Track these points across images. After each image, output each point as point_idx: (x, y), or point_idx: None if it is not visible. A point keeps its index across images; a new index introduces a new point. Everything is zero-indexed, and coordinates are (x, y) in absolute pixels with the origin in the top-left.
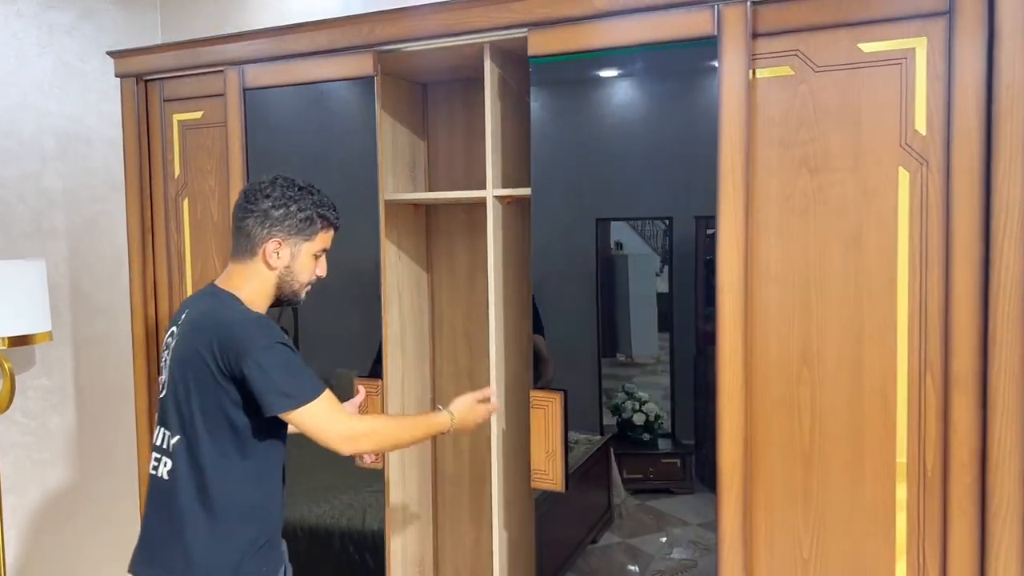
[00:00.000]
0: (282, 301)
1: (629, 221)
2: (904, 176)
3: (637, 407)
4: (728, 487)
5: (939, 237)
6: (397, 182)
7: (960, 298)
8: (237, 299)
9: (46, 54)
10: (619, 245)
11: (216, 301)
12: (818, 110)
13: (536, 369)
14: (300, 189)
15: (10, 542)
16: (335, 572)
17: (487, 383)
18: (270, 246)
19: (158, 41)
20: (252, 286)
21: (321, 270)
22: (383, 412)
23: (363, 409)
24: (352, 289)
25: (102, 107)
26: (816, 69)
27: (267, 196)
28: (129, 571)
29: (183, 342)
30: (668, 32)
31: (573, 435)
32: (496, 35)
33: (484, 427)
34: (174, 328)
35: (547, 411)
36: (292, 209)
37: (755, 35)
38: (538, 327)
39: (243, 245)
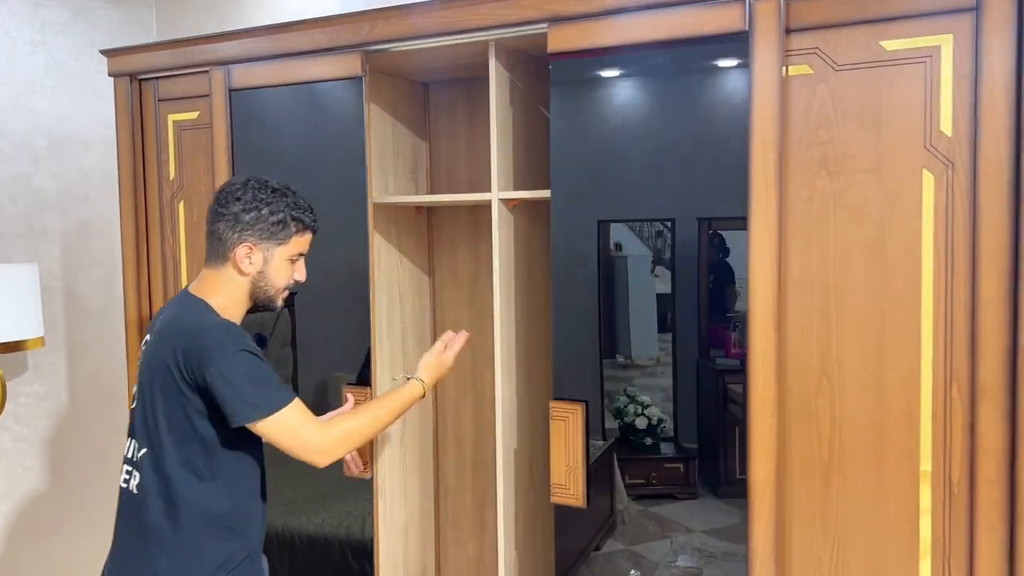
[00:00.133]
0: (258, 307)
1: (630, 223)
2: (929, 179)
3: (640, 411)
4: (759, 502)
5: (965, 242)
6: (398, 184)
7: (987, 305)
8: (207, 306)
9: (38, 53)
10: (618, 246)
11: (184, 308)
12: (838, 110)
13: None
14: (273, 191)
15: (1, 549)
16: None
17: (491, 389)
18: (241, 251)
19: (154, 40)
20: (225, 292)
21: (300, 275)
22: None
23: None
24: (348, 293)
25: (96, 107)
26: (836, 68)
27: (238, 199)
28: None
29: (150, 351)
30: (695, 28)
31: None
32: (502, 32)
33: (488, 437)
34: (148, 336)
35: (568, 423)
36: (264, 212)
37: (788, 31)
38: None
39: (215, 250)
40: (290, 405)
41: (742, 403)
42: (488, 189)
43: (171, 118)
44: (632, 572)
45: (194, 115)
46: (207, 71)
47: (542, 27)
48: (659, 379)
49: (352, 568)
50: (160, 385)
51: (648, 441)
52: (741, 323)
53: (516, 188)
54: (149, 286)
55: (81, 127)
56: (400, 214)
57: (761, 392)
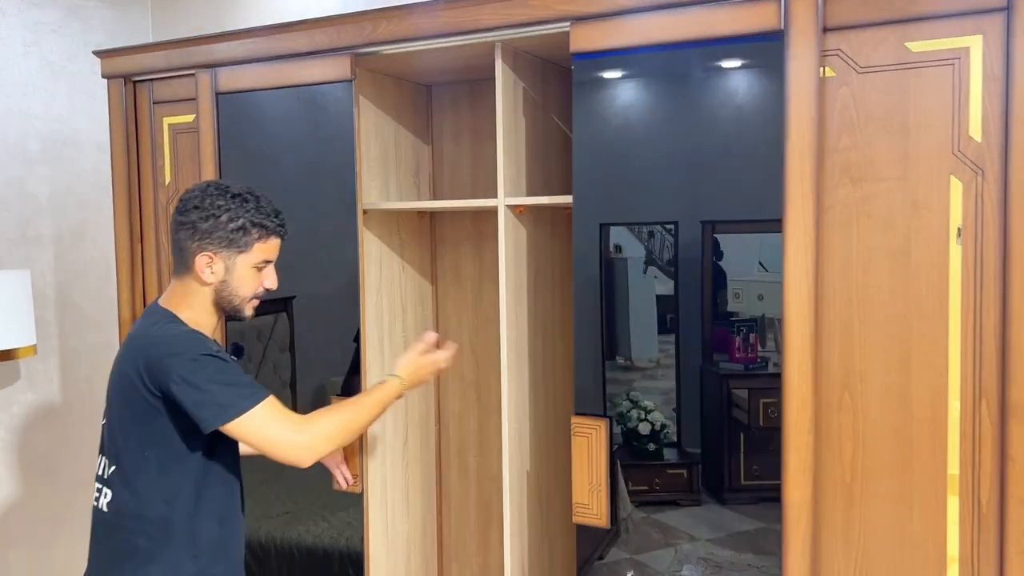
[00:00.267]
0: (228, 317)
1: (634, 225)
2: (957, 186)
3: (643, 416)
4: (795, 524)
5: (995, 252)
6: (400, 188)
7: (1019, 318)
8: (174, 317)
9: (31, 54)
10: (618, 248)
11: (148, 320)
12: (861, 114)
13: None
14: (234, 197)
15: None
16: None
17: (496, 399)
18: (201, 260)
19: (150, 40)
20: (191, 303)
21: (269, 282)
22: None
23: None
24: (347, 298)
25: (90, 109)
26: (859, 70)
27: (196, 207)
28: None
29: (116, 366)
30: (726, 27)
31: None
32: (509, 33)
33: (492, 447)
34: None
35: (591, 439)
36: (222, 220)
37: (825, 29)
38: None
39: (178, 260)
40: (264, 402)
41: (746, 408)
42: (492, 193)
43: (166, 121)
44: (629, 574)
45: (190, 118)
46: (186, 75)
47: (554, 27)
48: (660, 381)
49: None
50: (127, 400)
51: (651, 447)
52: (745, 327)
53: (522, 194)
54: (144, 292)
55: (75, 130)
56: (402, 220)
57: (797, 410)
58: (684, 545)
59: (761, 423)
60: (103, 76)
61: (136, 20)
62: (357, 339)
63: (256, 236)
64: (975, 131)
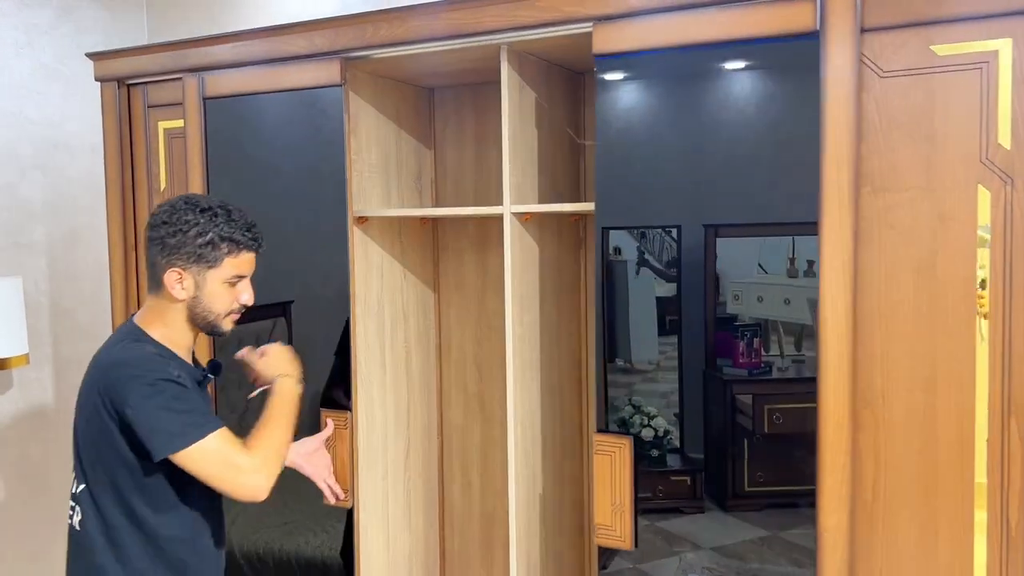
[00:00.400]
0: (207, 333)
1: (656, 228)
2: (985, 196)
3: (645, 422)
4: (831, 552)
5: None
6: (402, 194)
7: None
8: (141, 335)
9: (23, 56)
10: (617, 250)
11: (117, 338)
12: (883, 120)
13: None
14: (203, 212)
15: None
16: None
17: (500, 411)
18: (170, 276)
19: (146, 43)
20: (166, 320)
21: (246, 297)
22: (349, 447)
23: (328, 445)
24: (345, 304)
25: (85, 112)
26: (882, 74)
27: (164, 223)
28: None
29: (82, 384)
30: (757, 28)
31: None
32: (515, 36)
33: (496, 458)
34: None
35: (614, 458)
36: (190, 235)
37: (863, 30)
38: None
39: (150, 276)
40: (216, 433)
41: (751, 414)
42: (496, 199)
43: (161, 125)
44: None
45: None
46: (180, 78)
47: (572, 28)
48: (660, 384)
49: None
50: (89, 418)
51: (655, 453)
52: (749, 332)
53: (528, 201)
54: (138, 300)
55: (69, 134)
56: (404, 226)
57: (833, 430)
58: (688, 554)
59: (766, 429)
60: (96, 79)
61: (131, 21)
62: (339, 352)
63: (226, 251)
64: (1004, 138)
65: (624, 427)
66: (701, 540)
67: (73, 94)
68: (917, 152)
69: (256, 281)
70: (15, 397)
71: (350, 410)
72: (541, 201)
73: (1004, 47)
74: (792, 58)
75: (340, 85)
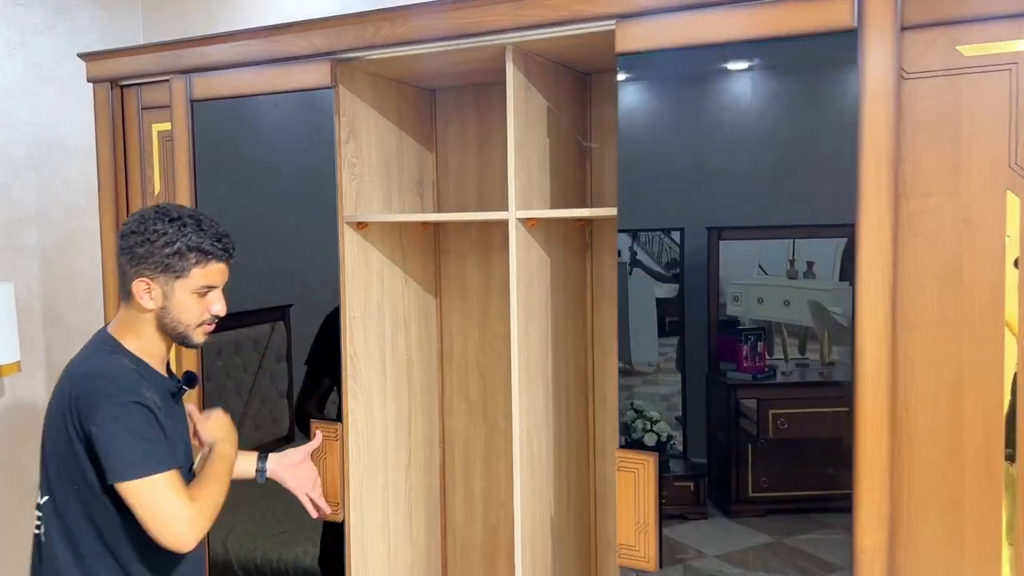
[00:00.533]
0: (178, 343)
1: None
2: (1014, 202)
3: (648, 427)
4: (867, 573)
5: None
6: (403, 198)
7: None
8: (116, 347)
9: (16, 56)
10: (633, 255)
11: (88, 349)
12: (907, 123)
13: None
14: (172, 221)
15: None
16: None
17: (503, 419)
18: (138, 286)
19: (140, 43)
20: (138, 330)
21: (217, 308)
22: (341, 459)
23: (315, 457)
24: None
25: (79, 113)
26: (906, 76)
27: (133, 232)
28: None
29: (53, 394)
30: (793, 24)
31: None
32: (521, 36)
33: (502, 474)
34: None
35: (637, 475)
36: (157, 244)
37: (903, 28)
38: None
39: (121, 285)
40: (168, 473)
41: (755, 419)
42: (499, 203)
43: (155, 128)
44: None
45: None
46: (167, 80)
47: (590, 27)
48: (660, 387)
49: None
50: (56, 432)
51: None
52: (753, 335)
53: (534, 206)
54: (116, 308)
55: (63, 135)
56: (405, 231)
57: (872, 446)
58: (692, 561)
59: (770, 434)
60: (88, 80)
61: (126, 21)
62: (310, 361)
63: (193, 261)
64: None
65: (626, 432)
66: (705, 547)
67: (68, 95)
68: (943, 156)
69: (253, 286)
70: (7, 404)
71: (340, 421)
72: (547, 206)
73: None
74: (820, 57)
75: (331, 87)
